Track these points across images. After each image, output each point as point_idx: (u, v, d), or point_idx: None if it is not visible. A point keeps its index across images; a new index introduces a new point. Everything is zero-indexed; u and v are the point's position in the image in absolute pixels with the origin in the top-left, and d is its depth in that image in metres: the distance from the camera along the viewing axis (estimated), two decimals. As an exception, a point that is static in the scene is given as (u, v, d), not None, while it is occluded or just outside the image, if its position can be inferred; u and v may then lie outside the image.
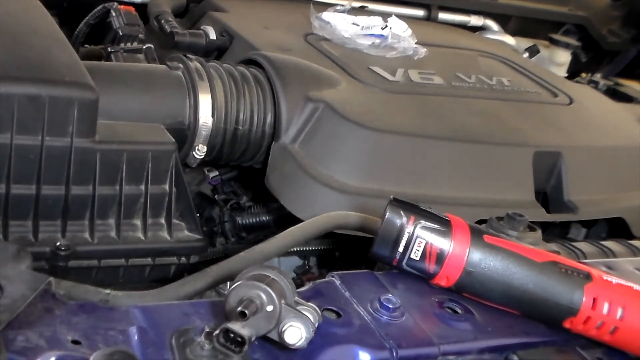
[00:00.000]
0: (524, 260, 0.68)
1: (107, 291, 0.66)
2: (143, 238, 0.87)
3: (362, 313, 0.65)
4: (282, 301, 0.57)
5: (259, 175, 1.01)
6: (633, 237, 1.04)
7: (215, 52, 1.21)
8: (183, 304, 0.65)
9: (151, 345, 0.56)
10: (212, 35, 1.20)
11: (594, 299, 0.67)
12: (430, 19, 1.69)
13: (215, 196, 1.11)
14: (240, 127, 0.98)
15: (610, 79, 1.73)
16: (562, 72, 1.80)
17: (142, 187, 0.86)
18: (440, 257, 0.68)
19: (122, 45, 1.13)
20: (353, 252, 0.96)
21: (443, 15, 1.70)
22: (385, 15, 1.32)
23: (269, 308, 0.56)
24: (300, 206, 0.91)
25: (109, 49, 1.12)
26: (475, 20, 1.75)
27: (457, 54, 1.37)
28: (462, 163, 1.01)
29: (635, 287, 0.68)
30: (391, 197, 0.71)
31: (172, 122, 0.94)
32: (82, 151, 0.80)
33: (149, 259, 0.88)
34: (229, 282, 0.73)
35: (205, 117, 0.95)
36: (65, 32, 0.93)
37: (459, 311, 0.69)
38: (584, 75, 1.80)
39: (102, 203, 0.84)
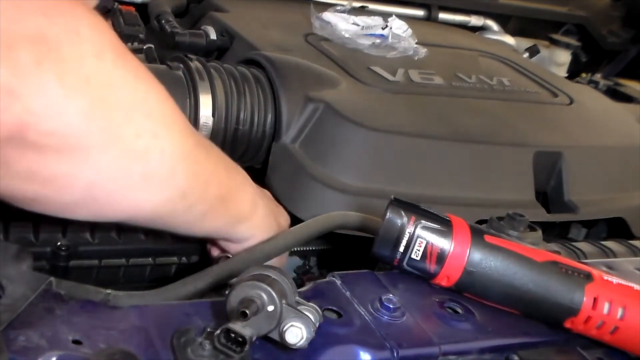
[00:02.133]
0: (525, 260, 0.69)
1: (108, 291, 0.66)
2: (144, 238, 0.87)
3: (362, 313, 0.65)
4: (283, 301, 0.57)
5: (259, 175, 1.01)
6: (633, 237, 1.04)
7: (215, 52, 1.21)
8: (184, 304, 0.65)
9: (152, 345, 0.56)
10: (213, 35, 1.20)
11: (595, 299, 0.67)
12: (430, 19, 1.68)
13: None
14: (241, 127, 0.98)
15: (610, 79, 1.73)
16: (562, 72, 1.80)
17: (143, 187, 0.86)
18: (440, 257, 0.69)
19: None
20: (353, 252, 0.96)
21: (443, 15, 1.70)
22: (385, 15, 1.32)
23: (270, 308, 0.56)
24: (300, 206, 0.91)
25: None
26: (475, 20, 1.75)
27: (457, 54, 1.37)
28: (462, 163, 1.01)
29: (636, 287, 0.68)
30: (392, 197, 0.71)
31: (172, 122, 0.94)
32: (83, 151, 0.80)
33: (150, 259, 0.89)
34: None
35: (206, 117, 0.95)
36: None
37: (460, 311, 0.69)
38: (584, 75, 1.80)
39: (103, 203, 0.84)
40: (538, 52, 1.72)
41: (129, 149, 0.61)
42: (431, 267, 0.69)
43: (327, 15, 1.26)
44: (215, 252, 0.86)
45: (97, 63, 0.58)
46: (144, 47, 1.14)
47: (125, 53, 0.62)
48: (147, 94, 0.64)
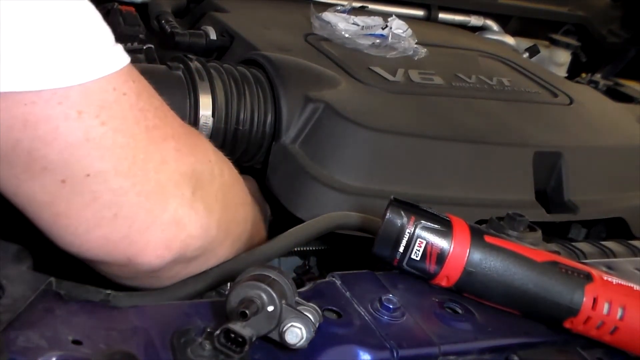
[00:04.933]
0: (525, 260, 0.69)
1: (108, 291, 0.66)
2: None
3: (362, 313, 0.65)
4: (283, 301, 0.57)
5: (259, 175, 1.01)
6: (633, 237, 1.04)
7: (215, 52, 1.21)
8: (184, 304, 0.65)
9: (152, 345, 0.56)
10: (213, 36, 1.20)
11: (595, 299, 0.67)
12: (430, 19, 1.68)
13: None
14: (241, 127, 0.98)
15: (610, 79, 1.73)
16: (562, 72, 1.80)
17: (143, 187, 0.86)
18: (440, 257, 0.69)
19: (122, 45, 1.13)
20: (353, 252, 0.96)
21: (443, 15, 1.70)
22: (385, 15, 1.32)
23: (270, 308, 0.56)
24: (300, 206, 0.91)
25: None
26: (475, 20, 1.75)
27: (457, 54, 1.37)
28: (462, 163, 1.01)
29: (636, 287, 0.68)
30: (391, 197, 0.71)
31: (172, 122, 0.94)
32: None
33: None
34: (229, 283, 0.73)
35: (206, 117, 0.95)
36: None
37: (460, 311, 0.69)
38: (584, 75, 1.80)
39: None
40: (538, 52, 1.71)
41: (235, 236, 0.74)
42: (431, 267, 0.69)
43: (327, 15, 1.26)
44: None
45: (220, 179, 0.71)
46: (144, 47, 1.14)
47: (227, 161, 0.76)
48: (243, 192, 0.79)
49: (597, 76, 1.74)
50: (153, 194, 0.62)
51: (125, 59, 0.62)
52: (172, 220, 0.63)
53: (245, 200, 0.79)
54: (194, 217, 0.65)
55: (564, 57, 1.81)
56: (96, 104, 0.58)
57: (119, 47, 0.62)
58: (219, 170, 0.71)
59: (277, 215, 1.04)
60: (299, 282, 0.96)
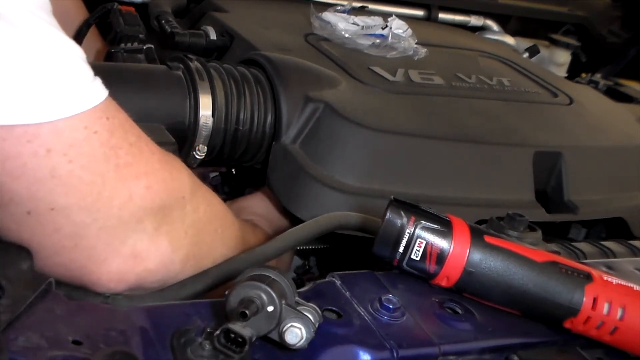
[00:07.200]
0: (524, 260, 0.69)
1: (108, 291, 0.66)
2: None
3: (362, 313, 0.65)
4: (283, 301, 0.57)
5: (259, 175, 1.01)
6: (633, 237, 1.04)
7: (215, 52, 1.21)
8: (184, 304, 0.65)
9: (152, 346, 0.56)
10: (213, 36, 1.20)
11: (595, 299, 0.67)
12: (430, 19, 1.69)
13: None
14: (241, 127, 0.98)
15: (610, 79, 1.73)
16: (562, 72, 1.80)
17: (143, 187, 0.86)
18: (440, 258, 0.69)
19: (122, 45, 1.13)
20: (353, 252, 0.96)
21: (443, 15, 1.70)
22: (385, 15, 1.32)
23: (270, 308, 0.56)
24: (300, 206, 0.91)
25: (109, 49, 1.12)
26: (475, 20, 1.75)
27: (457, 54, 1.37)
28: (462, 163, 1.01)
29: (636, 287, 0.68)
30: (391, 197, 0.71)
31: (172, 122, 0.94)
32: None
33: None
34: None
35: (206, 117, 0.95)
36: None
37: (460, 311, 0.69)
38: (584, 75, 1.80)
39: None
40: (538, 52, 1.71)
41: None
42: (431, 267, 0.69)
43: (327, 15, 1.26)
44: None
45: (193, 216, 0.71)
46: (144, 47, 1.14)
47: (210, 196, 0.76)
48: (223, 229, 0.78)
49: (597, 76, 1.74)
50: (113, 229, 0.63)
51: (102, 94, 0.62)
52: (130, 254, 0.64)
53: (227, 237, 0.79)
54: (154, 252, 0.66)
55: (564, 57, 1.81)
56: (65, 142, 0.58)
57: (97, 83, 0.62)
58: (193, 207, 0.71)
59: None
60: (299, 282, 0.96)
